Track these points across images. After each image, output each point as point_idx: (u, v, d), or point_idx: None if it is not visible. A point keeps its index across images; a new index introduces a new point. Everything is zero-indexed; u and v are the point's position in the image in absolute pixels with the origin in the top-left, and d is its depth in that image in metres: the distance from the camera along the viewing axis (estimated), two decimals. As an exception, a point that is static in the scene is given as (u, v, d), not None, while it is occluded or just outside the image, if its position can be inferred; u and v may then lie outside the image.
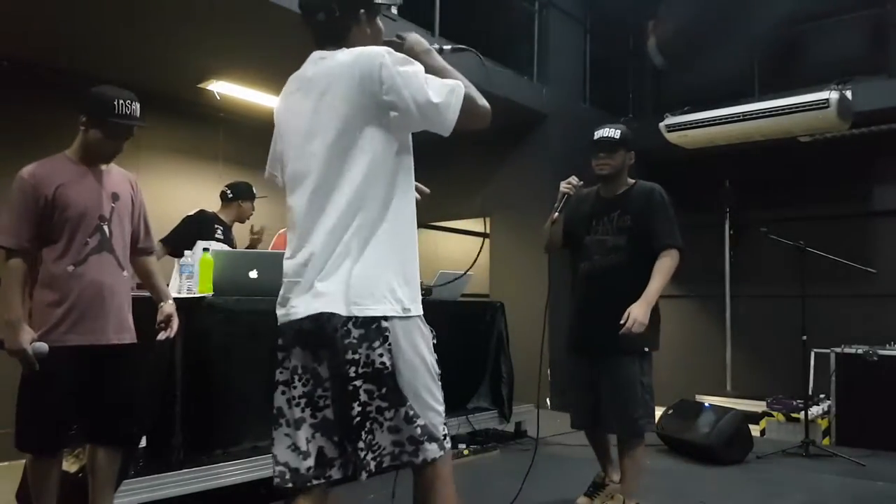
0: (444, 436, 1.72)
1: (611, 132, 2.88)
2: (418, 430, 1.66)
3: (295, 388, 1.67)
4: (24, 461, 2.59)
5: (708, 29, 6.44)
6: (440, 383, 1.78)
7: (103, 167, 2.44)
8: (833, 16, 6.53)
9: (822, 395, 5.40)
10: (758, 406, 5.66)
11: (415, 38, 1.91)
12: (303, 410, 1.67)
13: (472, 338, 4.49)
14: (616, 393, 2.82)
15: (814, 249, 4.44)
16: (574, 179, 2.89)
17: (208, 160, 6.02)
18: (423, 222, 7.86)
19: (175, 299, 2.95)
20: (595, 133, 2.91)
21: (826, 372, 5.16)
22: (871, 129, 6.13)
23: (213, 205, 6.02)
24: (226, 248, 3.40)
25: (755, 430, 5.03)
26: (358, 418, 1.61)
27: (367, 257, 1.63)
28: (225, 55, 4.83)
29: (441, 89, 1.66)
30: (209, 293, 3.12)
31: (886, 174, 6.58)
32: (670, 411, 4.50)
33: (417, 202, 1.83)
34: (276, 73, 5.07)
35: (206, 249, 3.24)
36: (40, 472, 2.31)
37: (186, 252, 3.20)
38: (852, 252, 5.21)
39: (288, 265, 1.76)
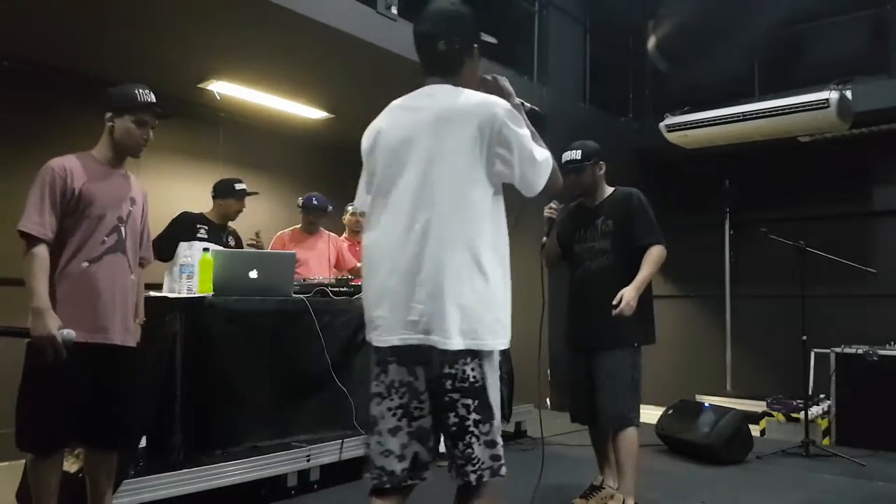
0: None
1: (573, 154, 3.10)
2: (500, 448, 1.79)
3: (392, 399, 1.79)
4: (24, 461, 2.59)
5: (708, 29, 6.44)
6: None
7: (125, 172, 2.49)
8: (833, 16, 6.53)
9: (822, 395, 5.41)
10: (758, 406, 5.66)
11: (505, 84, 1.98)
12: (399, 420, 1.78)
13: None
14: (607, 385, 2.97)
15: (814, 249, 4.44)
16: (554, 203, 3.14)
17: (208, 160, 6.02)
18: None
19: (175, 299, 2.97)
20: (562, 157, 3.07)
21: (826, 372, 5.17)
22: (871, 129, 6.13)
23: (211, 205, 6.03)
24: (216, 247, 3.40)
25: (755, 430, 5.03)
26: (454, 429, 1.74)
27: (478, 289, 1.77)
28: (225, 55, 4.83)
29: (539, 156, 1.81)
30: (209, 293, 3.12)
31: (886, 174, 6.58)
32: (670, 411, 4.50)
33: None
34: (276, 73, 5.11)
35: (206, 249, 3.25)
36: (41, 472, 2.30)
37: (187, 252, 3.20)
38: (852, 252, 5.21)
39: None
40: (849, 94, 5.65)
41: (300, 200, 4.79)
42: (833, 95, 5.47)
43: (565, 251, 3.22)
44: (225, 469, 2.94)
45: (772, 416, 5.47)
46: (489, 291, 1.77)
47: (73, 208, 2.29)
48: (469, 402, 1.72)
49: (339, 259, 4.86)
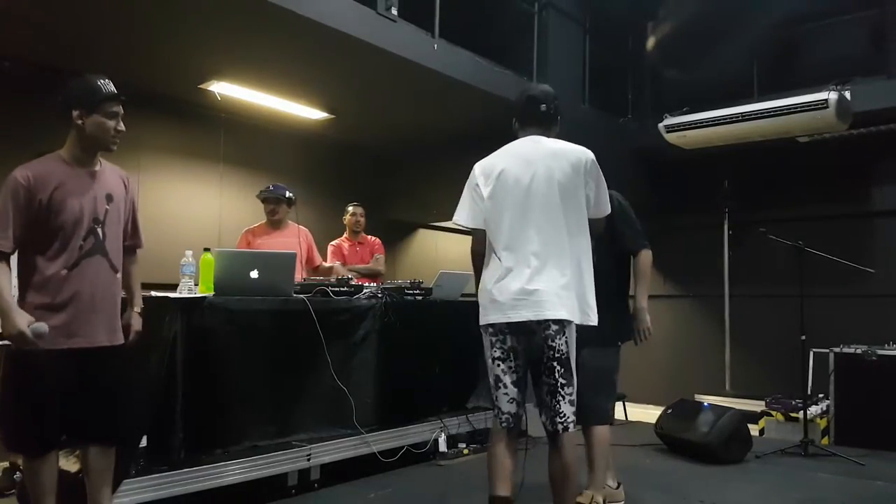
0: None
1: None
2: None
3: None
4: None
5: (707, 29, 6.45)
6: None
7: (97, 167, 2.42)
8: (832, 16, 6.54)
9: (820, 395, 5.42)
10: (757, 405, 5.67)
11: None
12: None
13: (472, 337, 4.48)
14: (592, 383, 3.00)
15: (812, 249, 4.45)
16: None
17: (209, 161, 6.03)
18: (424, 222, 7.90)
19: (176, 299, 2.97)
20: None
21: (825, 371, 5.18)
22: (870, 130, 6.13)
23: (212, 205, 6.03)
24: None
25: (754, 429, 5.04)
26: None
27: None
28: (226, 56, 4.84)
29: (607, 201, 2.62)
30: (210, 293, 3.13)
31: (885, 174, 6.59)
32: (669, 411, 4.51)
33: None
34: (276, 73, 5.12)
35: (206, 249, 3.25)
36: (32, 472, 2.30)
37: (187, 252, 3.21)
38: (851, 252, 5.22)
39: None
40: (848, 94, 5.65)
41: (258, 193, 4.64)
42: (832, 96, 5.47)
43: None
44: (225, 468, 2.95)
45: (771, 415, 5.48)
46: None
47: (45, 217, 2.24)
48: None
49: (309, 254, 4.66)
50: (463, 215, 2.60)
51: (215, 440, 3.04)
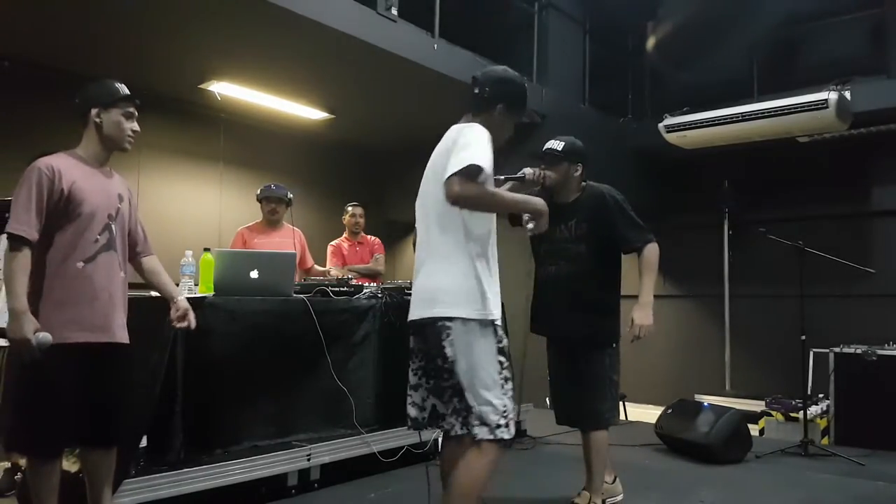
0: (498, 425, 2.17)
1: (554, 144, 3.06)
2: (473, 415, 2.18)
3: (414, 362, 2.41)
4: (24, 460, 2.60)
5: (707, 29, 6.45)
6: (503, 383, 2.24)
7: (108, 168, 2.48)
8: (832, 16, 6.54)
9: (820, 395, 5.42)
10: (757, 405, 5.67)
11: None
12: (419, 378, 2.40)
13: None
14: (585, 386, 2.97)
15: (812, 249, 4.45)
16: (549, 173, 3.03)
17: (209, 161, 6.03)
18: (423, 222, 7.90)
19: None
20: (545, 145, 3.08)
21: (825, 371, 5.17)
22: (870, 130, 6.14)
23: (212, 205, 6.03)
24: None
25: (754, 429, 5.04)
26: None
27: None
28: (226, 56, 4.84)
29: (458, 163, 2.20)
30: (210, 293, 3.13)
31: (885, 174, 6.59)
32: (669, 411, 4.51)
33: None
34: (276, 73, 5.12)
35: (206, 249, 3.26)
36: (38, 474, 2.28)
37: (187, 252, 3.21)
38: (851, 252, 5.22)
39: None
40: (847, 94, 5.66)
41: (258, 192, 4.62)
42: (832, 96, 5.47)
43: (532, 245, 3.18)
44: (225, 468, 2.94)
45: (771, 415, 5.48)
46: None
47: (63, 208, 2.27)
48: None
49: (302, 256, 4.63)
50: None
51: (215, 440, 3.04)
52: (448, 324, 2.17)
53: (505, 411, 2.19)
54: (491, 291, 2.24)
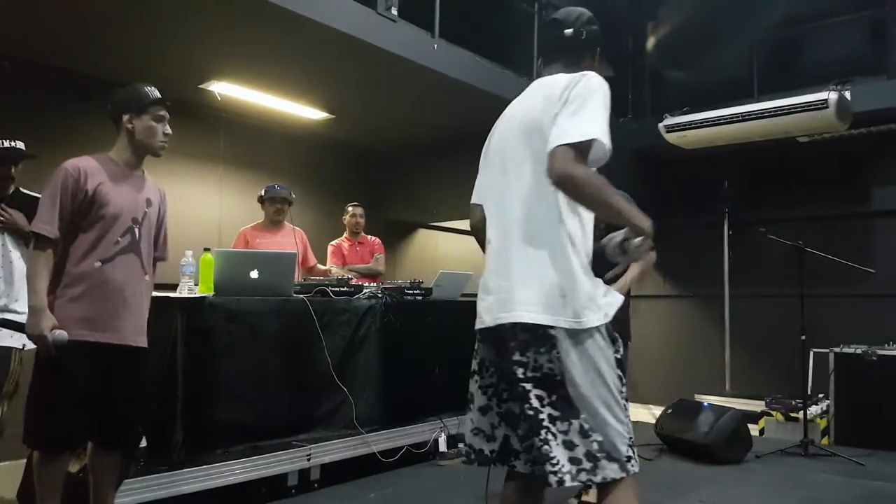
0: (628, 458, 1.66)
1: None
2: (595, 446, 1.65)
3: (483, 377, 1.88)
4: (24, 461, 2.60)
5: (707, 29, 6.45)
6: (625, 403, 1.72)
7: (140, 173, 2.50)
8: (833, 16, 6.54)
9: (820, 395, 5.41)
10: (757, 405, 5.66)
11: None
12: (489, 399, 1.85)
13: (472, 337, 4.49)
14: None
15: (812, 249, 4.45)
16: None
17: (209, 161, 6.03)
18: (424, 222, 7.90)
19: (176, 299, 2.97)
20: None
21: (825, 371, 5.17)
22: (870, 130, 6.13)
23: (212, 205, 6.03)
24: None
25: (754, 429, 5.04)
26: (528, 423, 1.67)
27: None
28: (226, 56, 4.84)
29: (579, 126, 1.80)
30: (210, 293, 3.13)
31: (885, 174, 6.58)
32: (669, 411, 4.51)
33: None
34: (276, 73, 5.12)
35: (206, 249, 3.26)
36: (48, 472, 2.30)
37: (187, 252, 3.21)
38: (851, 252, 5.22)
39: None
40: (847, 94, 5.65)
41: (262, 192, 4.65)
42: (832, 96, 5.47)
43: None
44: (225, 468, 2.95)
45: (771, 415, 5.48)
46: None
47: (87, 209, 2.30)
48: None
49: (304, 255, 4.67)
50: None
51: (215, 440, 3.04)
52: (551, 332, 1.66)
53: (632, 438, 1.69)
54: (600, 287, 1.73)
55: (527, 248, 1.74)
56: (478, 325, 1.89)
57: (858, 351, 4.97)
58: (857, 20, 6.57)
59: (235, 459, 3.00)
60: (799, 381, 4.62)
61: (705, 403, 4.54)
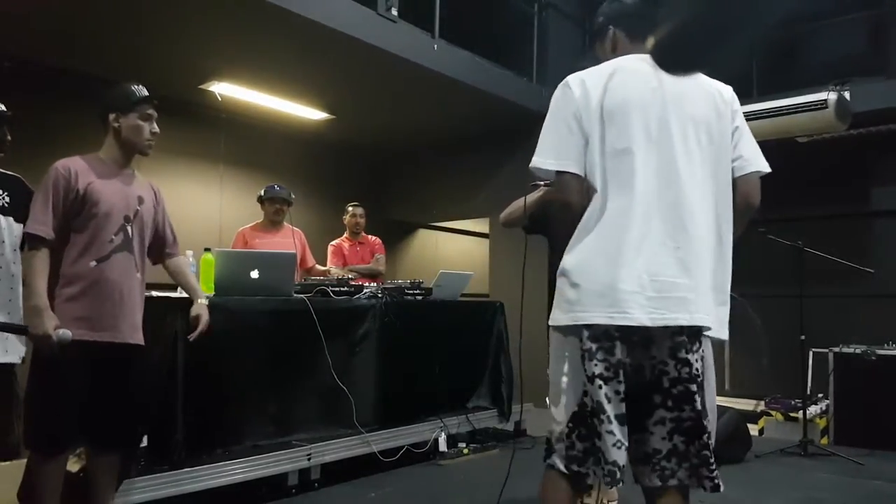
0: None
1: None
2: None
3: (620, 381, 1.62)
4: (24, 460, 2.60)
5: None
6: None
7: (129, 171, 2.50)
8: (832, 16, 6.54)
9: (820, 395, 5.42)
10: (756, 405, 5.67)
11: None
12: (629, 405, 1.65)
13: (472, 337, 4.51)
14: None
15: (812, 249, 4.45)
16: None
17: (209, 161, 6.04)
18: (424, 222, 7.90)
19: (176, 299, 2.98)
20: None
21: (824, 371, 5.18)
22: (870, 130, 6.14)
23: (212, 205, 6.04)
24: None
25: (754, 429, 5.04)
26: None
27: None
28: (226, 56, 4.85)
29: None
30: (210, 293, 3.13)
31: (884, 174, 6.58)
32: (669, 411, 4.51)
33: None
34: (277, 74, 5.12)
35: (207, 249, 3.26)
36: (41, 472, 2.30)
37: (188, 252, 3.21)
38: (850, 252, 5.22)
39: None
40: (847, 94, 5.65)
41: (261, 192, 4.64)
42: (831, 96, 5.47)
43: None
44: (226, 468, 2.95)
45: (770, 415, 5.48)
46: None
47: (79, 208, 2.31)
48: None
49: (303, 255, 4.67)
50: None
51: (215, 440, 3.05)
52: (705, 334, 1.71)
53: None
54: None
55: (715, 251, 1.81)
56: (621, 322, 1.60)
57: (858, 351, 4.97)
58: (857, 20, 6.58)
59: (236, 459, 3.01)
60: (798, 380, 4.63)
61: (705, 403, 4.53)
